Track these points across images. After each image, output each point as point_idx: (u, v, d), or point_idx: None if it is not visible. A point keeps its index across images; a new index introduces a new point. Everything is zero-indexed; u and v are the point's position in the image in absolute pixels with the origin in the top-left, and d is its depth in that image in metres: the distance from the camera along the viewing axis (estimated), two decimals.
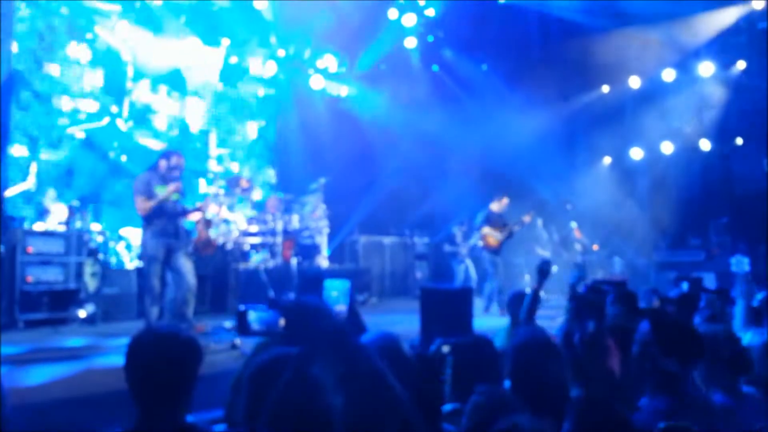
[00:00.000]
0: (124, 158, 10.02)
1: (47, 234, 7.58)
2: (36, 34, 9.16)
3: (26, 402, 3.48)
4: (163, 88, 10.80)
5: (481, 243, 9.63)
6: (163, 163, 6.21)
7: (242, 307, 2.74)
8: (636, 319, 3.76)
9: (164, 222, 6.12)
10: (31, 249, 7.18)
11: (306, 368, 1.81)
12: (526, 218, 9.78)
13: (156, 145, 10.49)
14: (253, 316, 2.71)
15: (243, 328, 2.73)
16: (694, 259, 11.30)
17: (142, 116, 10.47)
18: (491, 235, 9.52)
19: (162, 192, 6.17)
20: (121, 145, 10.05)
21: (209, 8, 10.89)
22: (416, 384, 2.08)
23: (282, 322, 2.51)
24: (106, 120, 9.85)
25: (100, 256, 8.14)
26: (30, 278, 7.12)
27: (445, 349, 2.65)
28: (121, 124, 10.13)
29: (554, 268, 12.04)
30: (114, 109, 10.02)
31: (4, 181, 8.38)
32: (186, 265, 6.14)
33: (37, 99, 9.09)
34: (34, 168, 8.66)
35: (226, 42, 11.43)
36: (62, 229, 7.85)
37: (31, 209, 8.46)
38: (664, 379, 2.45)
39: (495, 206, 9.73)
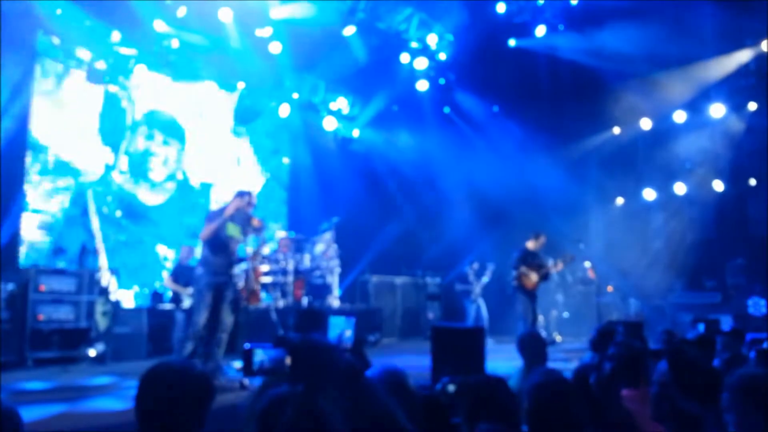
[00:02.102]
0: (118, 213, 9.88)
1: (59, 272, 7.62)
2: (55, 80, 9.33)
3: None
4: (159, 138, 10.59)
5: (515, 283, 9.03)
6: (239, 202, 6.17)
7: (248, 346, 2.66)
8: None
9: (223, 261, 6.10)
10: (43, 287, 7.22)
11: (311, 405, 1.77)
12: (563, 262, 9.41)
13: (152, 200, 10.38)
14: (259, 355, 2.65)
15: (249, 368, 2.64)
16: (710, 301, 11.12)
17: (138, 168, 10.24)
18: (527, 276, 9.01)
19: (234, 230, 6.18)
20: (116, 200, 9.87)
21: (225, 53, 11.04)
22: (422, 422, 2.02)
23: (288, 360, 2.46)
24: (99, 173, 9.68)
25: (112, 296, 8.14)
26: (41, 316, 7.13)
27: (451, 387, 2.58)
28: (117, 176, 9.93)
29: (565, 314, 11.95)
30: (109, 161, 9.83)
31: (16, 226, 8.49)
32: (229, 306, 6.11)
33: (35, 150, 9.06)
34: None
35: (241, 85, 11.63)
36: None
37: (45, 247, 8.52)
38: (683, 420, 2.39)
39: (531, 244, 9.22)
